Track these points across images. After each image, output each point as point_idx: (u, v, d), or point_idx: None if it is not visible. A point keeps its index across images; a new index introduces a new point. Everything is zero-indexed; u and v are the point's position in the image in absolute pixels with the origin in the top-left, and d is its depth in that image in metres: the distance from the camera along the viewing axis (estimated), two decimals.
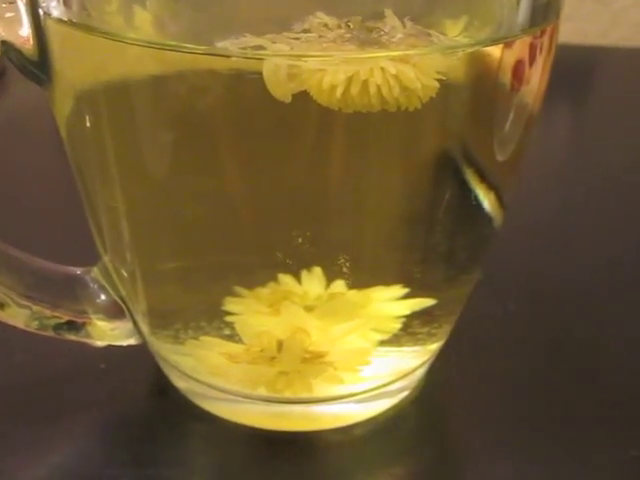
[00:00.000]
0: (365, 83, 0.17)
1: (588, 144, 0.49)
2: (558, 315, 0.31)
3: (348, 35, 0.18)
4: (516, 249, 0.34)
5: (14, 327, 0.23)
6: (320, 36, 0.18)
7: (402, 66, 0.17)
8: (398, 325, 0.23)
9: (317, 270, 0.21)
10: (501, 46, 0.19)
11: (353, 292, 0.21)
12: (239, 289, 0.21)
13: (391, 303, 0.22)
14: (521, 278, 0.33)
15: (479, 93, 0.20)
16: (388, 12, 0.18)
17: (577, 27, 0.66)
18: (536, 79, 0.20)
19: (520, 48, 0.19)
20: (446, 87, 0.18)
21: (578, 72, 0.61)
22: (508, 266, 0.33)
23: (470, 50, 0.18)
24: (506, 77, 0.19)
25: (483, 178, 0.21)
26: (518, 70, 0.19)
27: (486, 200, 0.22)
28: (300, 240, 0.20)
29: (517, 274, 0.33)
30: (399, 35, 0.18)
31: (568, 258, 0.35)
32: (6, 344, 0.27)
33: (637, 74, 0.61)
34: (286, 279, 0.21)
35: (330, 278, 0.21)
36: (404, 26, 0.18)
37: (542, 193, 0.41)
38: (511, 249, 0.34)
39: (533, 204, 0.39)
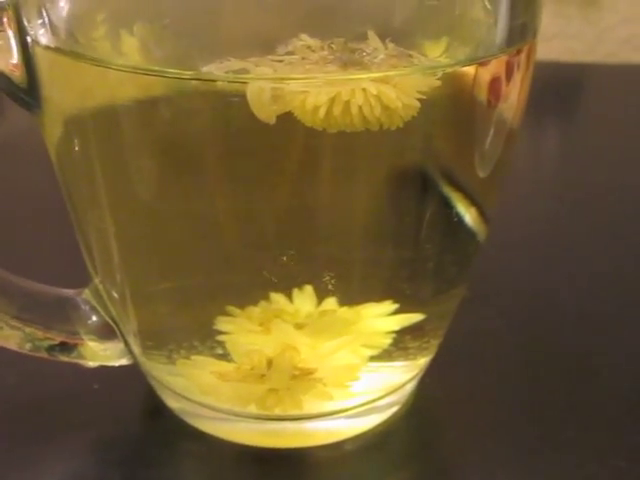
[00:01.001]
0: (347, 104, 0.18)
1: (576, 159, 0.50)
2: (547, 329, 0.31)
3: (331, 57, 0.18)
4: (504, 264, 0.35)
5: (7, 349, 0.24)
6: (303, 58, 0.18)
7: (383, 86, 0.18)
8: (388, 340, 0.23)
9: (308, 288, 0.21)
10: (480, 65, 0.19)
11: (344, 309, 0.22)
12: (231, 308, 0.21)
13: (381, 319, 0.22)
14: (509, 293, 0.33)
15: (459, 111, 0.20)
16: (371, 34, 0.18)
17: (564, 45, 0.67)
18: (515, 96, 0.21)
19: (498, 67, 0.20)
20: (427, 106, 0.18)
21: (566, 88, 0.61)
22: (496, 281, 0.33)
23: (449, 70, 0.19)
24: (486, 95, 0.19)
25: (466, 194, 0.21)
26: (497, 88, 0.20)
27: (469, 215, 0.22)
28: (290, 259, 0.20)
29: (505, 289, 0.33)
30: (381, 56, 0.18)
31: (557, 273, 0.35)
32: (0, 365, 0.27)
33: (624, 89, 0.61)
34: (277, 298, 0.21)
35: (321, 296, 0.21)
36: (386, 47, 0.18)
37: (530, 208, 0.42)
38: (499, 264, 0.34)
39: (521, 219, 0.40)
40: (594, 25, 0.67)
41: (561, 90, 0.60)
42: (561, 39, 0.66)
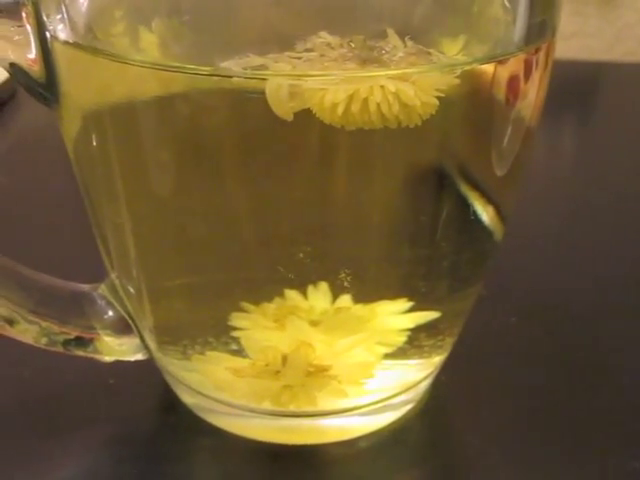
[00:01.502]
0: (365, 101, 0.18)
1: (594, 158, 0.50)
2: (561, 329, 0.31)
3: (350, 54, 0.18)
4: (519, 263, 0.35)
5: (23, 343, 0.24)
6: (322, 55, 0.18)
7: (401, 84, 0.18)
8: (403, 338, 0.23)
9: (323, 285, 0.21)
10: (498, 63, 0.19)
11: (359, 306, 0.22)
12: (246, 305, 0.21)
13: (396, 316, 0.22)
14: (524, 292, 0.33)
15: (477, 109, 0.20)
16: (390, 31, 0.18)
17: (582, 43, 0.66)
18: (533, 94, 0.21)
19: (517, 65, 0.20)
20: (445, 104, 0.18)
21: (584, 87, 0.61)
22: (511, 280, 0.33)
23: (468, 68, 0.19)
24: (503, 93, 0.19)
25: (483, 193, 0.21)
26: (515, 86, 0.20)
27: (486, 214, 0.22)
28: (306, 256, 0.20)
29: (520, 288, 0.33)
30: (400, 54, 0.18)
31: (571, 273, 0.35)
32: (16, 360, 0.28)
33: None
34: (292, 294, 0.21)
35: (336, 293, 0.21)
36: (405, 45, 0.18)
37: (546, 208, 0.41)
38: (515, 263, 0.34)
39: (538, 218, 0.40)
40: (612, 24, 0.67)
41: (579, 89, 0.60)
42: (579, 38, 0.66)
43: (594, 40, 0.67)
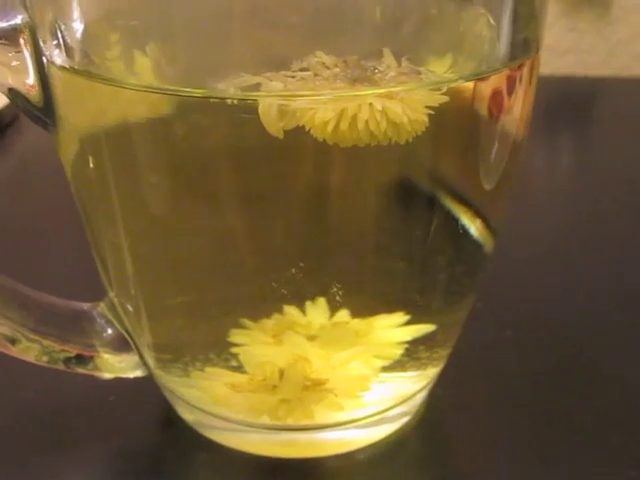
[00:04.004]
0: (354, 118, 0.18)
1: (590, 172, 0.50)
2: (557, 341, 0.31)
3: (342, 73, 0.18)
4: (515, 276, 0.35)
5: (25, 362, 0.24)
6: (316, 74, 0.18)
7: (388, 102, 0.18)
8: (399, 351, 0.23)
9: (321, 301, 0.21)
10: (483, 80, 0.20)
11: (356, 321, 0.22)
12: (244, 321, 0.22)
13: (393, 330, 0.23)
14: (519, 305, 0.33)
15: (465, 125, 0.20)
16: (386, 51, 0.18)
17: (577, 59, 0.67)
18: (518, 109, 0.21)
19: (501, 81, 0.20)
20: (435, 121, 0.19)
21: (579, 102, 0.61)
22: (506, 293, 0.33)
23: (454, 85, 0.19)
24: (490, 108, 0.20)
25: (472, 206, 0.22)
26: (500, 101, 0.20)
27: (475, 227, 0.22)
28: (303, 272, 0.20)
29: (515, 301, 0.33)
30: (392, 73, 0.18)
31: (567, 285, 0.35)
32: (17, 378, 0.28)
33: (638, 103, 0.61)
34: (291, 310, 0.21)
35: (334, 308, 0.21)
36: (399, 64, 0.19)
37: (543, 222, 0.42)
38: (510, 276, 0.34)
39: (534, 232, 0.40)
40: (607, 39, 0.67)
41: (575, 104, 0.61)
42: (574, 53, 0.66)
43: (589, 55, 0.67)
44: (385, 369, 0.24)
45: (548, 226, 0.41)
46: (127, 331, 0.25)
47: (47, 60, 0.20)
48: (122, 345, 0.25)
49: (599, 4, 0.66)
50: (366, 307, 0.22)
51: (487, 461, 0.25)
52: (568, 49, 0.65)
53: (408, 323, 0.23)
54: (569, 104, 0.60)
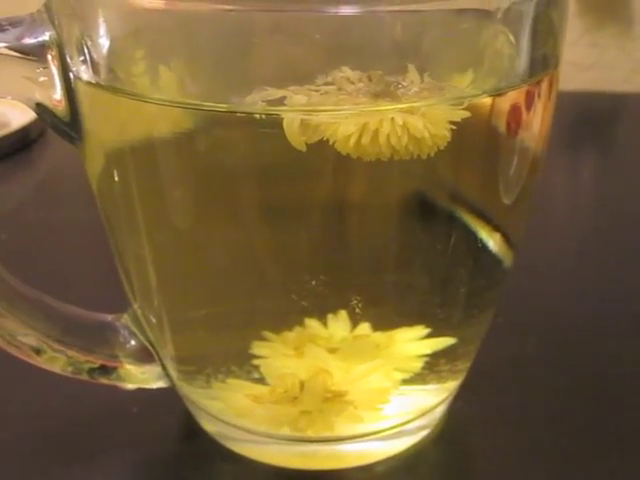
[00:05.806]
0: (375, 132, 0.18)
1: (613, 188, 0.50)
2: (578, 354, 0.31)
3: (366, 88, 0.19)
4: (536, 291, 0.35)
5: (51, 374, 0.24)
6: (339, 89, 0.18)
7: (409, 117, 0.18)
8: (419, 364, 0.23)
9: (343, 314, 0.21)
10: (503, 95, 0.20)
11: (377, 334, 0.22)
12: (266, 333, 0.22)
13: (413, 343, 0.23)
14: (540, 320, 0.33)
15: (486, 140, 0.20)
16: (411, 67, 0.19)
17: (600, 75, 0.66)
18: (537, 124, 0.21)
19: (520, 96, 0.20)
20: (456, 135, 0.19)
21: (602, 118, 0.61)
22: (527, 308, 0.33)
23: (474, 100, 0.19)
24: (508, 124, 0.20)
25: (491, 221, 0.22)
26: (519, 116, 0.20)
27: (493, 241, 0.22)
28: (325, 285, 0.21)
29: (536, 316, 0.33)
30: (415, 89, 0.19)
31: (588, 300, 0.35)
32: (41, 388, 0.28)
33: None
34: (312, 323, 0.21)
35: (355, 321, 0.21)
36: (422, 80, 0.19)
37: (565, 238, 0.42)
38: (531, 291, 0.34)
39: (557, 247, 0.40)
40: (630, 55, 0.67)
41: (597, 120, 0.60)
42: (597, 69, 0.66)
43: (612, 71, 0.67)
44: (405, 382, 0.24)
45: (570, 241, 0.41)
46: (150, 342, 0.25)
47: (74, 76, 0.20)
48: (145, 356, 0.25)
49: (622, 20, 0.66)
50: (387, 320, 0.22)
51: (506, 476, 0.25)
52: (591, 65, 0.65)
53: (428, 336, 0.23)
54: (591, 120, 0.60)
